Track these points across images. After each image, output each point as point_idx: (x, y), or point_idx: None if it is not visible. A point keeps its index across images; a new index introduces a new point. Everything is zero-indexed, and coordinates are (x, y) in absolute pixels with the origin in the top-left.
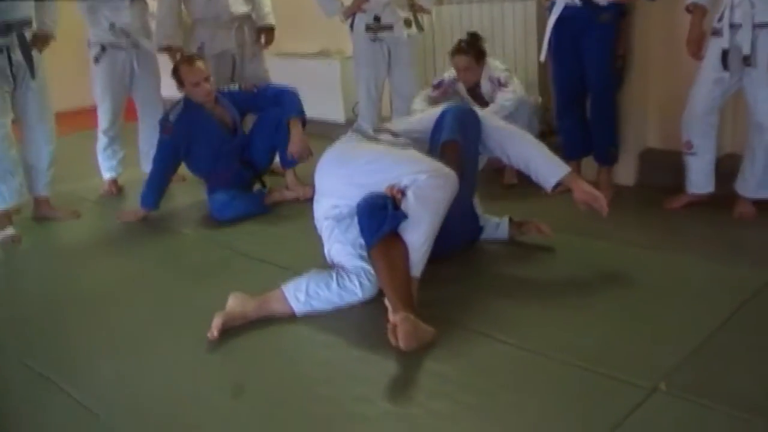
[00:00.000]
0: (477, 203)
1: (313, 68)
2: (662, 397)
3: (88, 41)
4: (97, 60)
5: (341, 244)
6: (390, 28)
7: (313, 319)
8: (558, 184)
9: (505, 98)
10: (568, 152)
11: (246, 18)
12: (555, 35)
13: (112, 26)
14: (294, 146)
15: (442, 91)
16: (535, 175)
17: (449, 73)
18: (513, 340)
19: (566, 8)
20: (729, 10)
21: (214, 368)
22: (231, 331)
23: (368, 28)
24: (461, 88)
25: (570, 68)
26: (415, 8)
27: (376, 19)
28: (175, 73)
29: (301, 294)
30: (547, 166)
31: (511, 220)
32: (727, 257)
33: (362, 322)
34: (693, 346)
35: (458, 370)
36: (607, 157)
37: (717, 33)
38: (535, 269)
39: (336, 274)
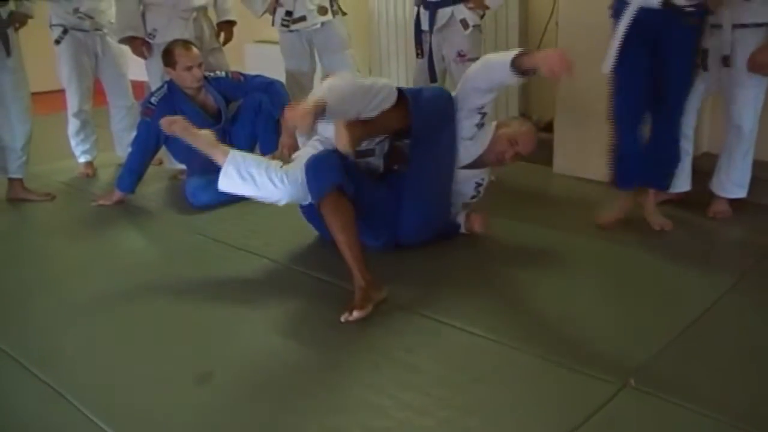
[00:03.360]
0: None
1: None
2: (631, 392)
3: (49, 23)
4: (58, 42)
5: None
6: (303, 19)
7: (275, 307)
8: (523, 73)
9: None
10: (626, 179)
11: (204, 10)
12: (627, 42)
13: (75, 11)
14: (286, 139)
15: None
16: (499, 80)
17: None
18: (485, 333)
19: (642, 11)
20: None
21: (178, 351)
22: (192, 316)
23: (282, 22)
24: None
25: (644, 79)
26: None
27: (288, 13)
28: (168, 54)
29: (240, 158)
30: (500, 62)
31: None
32: (701, 256)
33: (326, 309)
34: (663, 343)
35: (430, 362)
36: (667, 179)
37: None
38: (509, 262)
39: (273, 169)
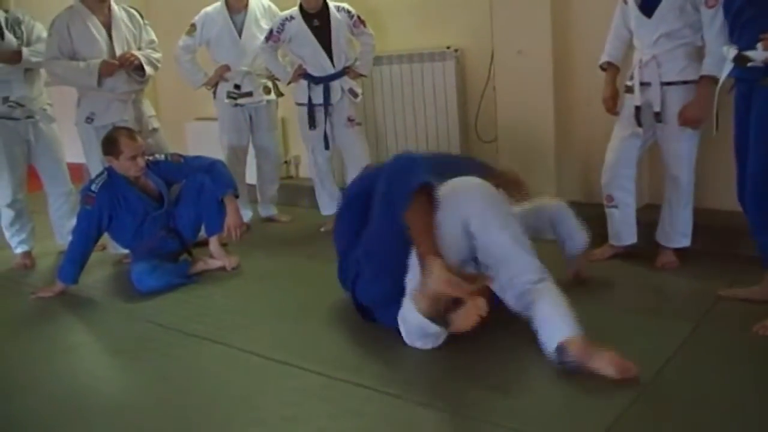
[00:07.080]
0: None
1: None
2: None
3: None
4: None
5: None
6: (250, 94)
7: (235, 397)
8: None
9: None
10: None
11: (142, 90)
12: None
13: (5, 99)
14: (231, 220)
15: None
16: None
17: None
18: (442, 405)
19: (734, 69)
20: (638, 69)
21: None
22: (149, 411)
23: (229, 95)
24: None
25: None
26: (273, 77)
27: (237, 87)
28: (112, 143)
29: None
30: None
31: None
32: (652, 308)
33: (287, 393)
34: (628, 402)
35: None
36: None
37: (629, 90)
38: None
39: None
